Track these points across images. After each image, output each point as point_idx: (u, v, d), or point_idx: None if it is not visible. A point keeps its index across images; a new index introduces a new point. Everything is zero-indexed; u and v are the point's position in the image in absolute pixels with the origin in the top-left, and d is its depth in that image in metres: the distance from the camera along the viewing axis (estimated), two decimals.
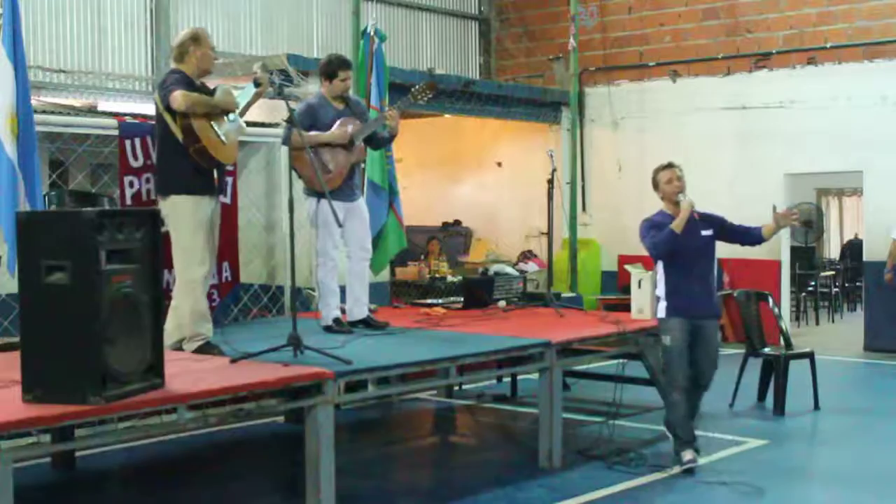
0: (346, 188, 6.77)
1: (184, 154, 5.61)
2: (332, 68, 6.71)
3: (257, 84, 5.97)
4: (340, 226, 6.25)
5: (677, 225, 6.27)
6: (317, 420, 5.07)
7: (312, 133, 6.53)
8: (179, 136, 5.60)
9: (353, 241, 6.89)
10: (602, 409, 7.52)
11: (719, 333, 6.55)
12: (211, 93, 5.80)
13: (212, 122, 5.70)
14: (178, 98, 5.52)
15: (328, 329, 6.73)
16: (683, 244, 6.31)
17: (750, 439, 7.14)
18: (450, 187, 14.22)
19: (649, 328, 7.00)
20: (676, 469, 6.29)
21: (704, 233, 6.44)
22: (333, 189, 6.56)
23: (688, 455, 6.33)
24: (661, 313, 6.45)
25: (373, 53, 8.43)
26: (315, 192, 6.56)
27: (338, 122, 6.68)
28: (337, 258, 6.78)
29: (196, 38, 5.82)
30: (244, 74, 9.33)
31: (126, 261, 4.41)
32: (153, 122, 7.47)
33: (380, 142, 7.11)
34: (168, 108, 5.61)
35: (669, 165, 6.52)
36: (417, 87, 6.91)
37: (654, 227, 6.41)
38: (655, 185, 6.53)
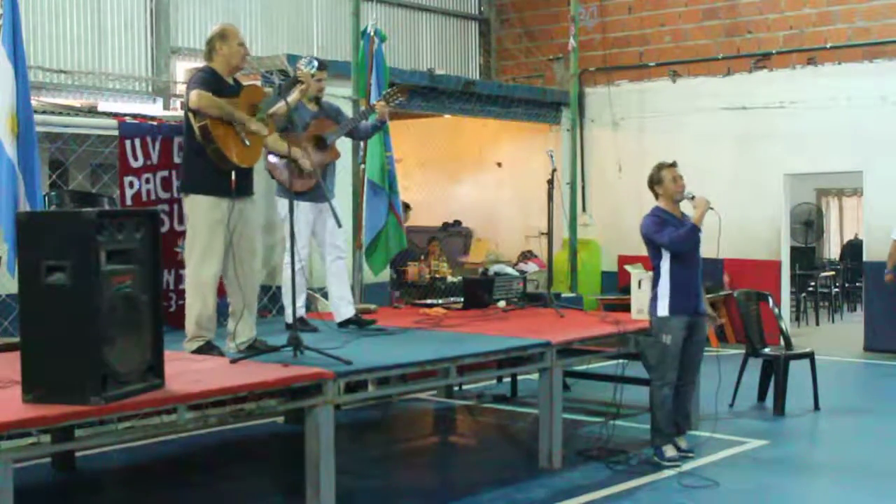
0: (318, 189, 6.78)
1: (203, 154, 5.60)
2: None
3: (279, 89, 5.92)
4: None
5: (699, 220, 6.40)
6: (317, 420, 5.07)
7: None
8: (198, 135, 5.60)
9: (324, 240, 6.98)
10: (602, 409, 7.52)
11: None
12: (241, 89, 5.80)
13: (234, 124, 5.66)
14: (194, 96, 5.53)
15: (289, 327, 6.71)
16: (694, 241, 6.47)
17: (750, 439, 7.14)
18: (450, 187, 14.22)
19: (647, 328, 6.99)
20: (666, 467, 6.36)
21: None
22: (307, 191, 6.67)
23: (670, 451, 6.49)
24: (663, 311, 6.46)
25: (373, 53, 8.43)
26: (288, 194, 6.63)
27: (312, 124, 6.83)
28: (306, 258, 6.91)
29: (223, 35, 5.77)
30: (244, 74, 9.33)
31: (126, 261, 4.41)
32: (153, 122, 7.47)
33: (366, 132, 7.24)
34: (190, 108, 5.61)
35: (674, 164, 6.59)
36: (390, 90, 7.15)
37: (663, 224, 6.45)
38: (658, 182, 6.56)
